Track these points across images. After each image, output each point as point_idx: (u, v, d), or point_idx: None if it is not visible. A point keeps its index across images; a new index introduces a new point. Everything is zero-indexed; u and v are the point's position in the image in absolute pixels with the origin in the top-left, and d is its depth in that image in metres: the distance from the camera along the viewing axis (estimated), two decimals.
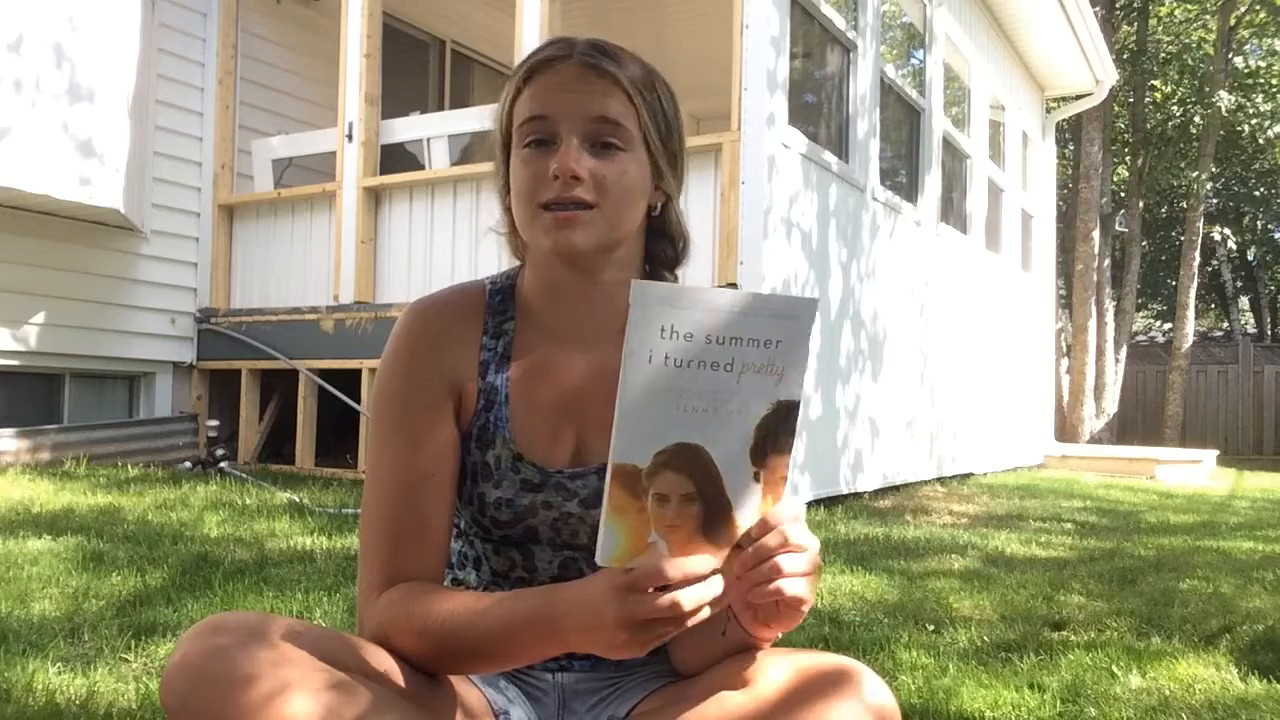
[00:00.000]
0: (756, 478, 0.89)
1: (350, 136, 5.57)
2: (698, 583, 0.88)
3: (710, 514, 0.89)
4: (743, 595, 0.93)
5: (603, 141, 1.10)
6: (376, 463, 1.14)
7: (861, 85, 5.78)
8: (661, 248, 1.21)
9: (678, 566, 0.87)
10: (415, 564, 1.11)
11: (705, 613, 0.90)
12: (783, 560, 0.91)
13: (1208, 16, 15.44)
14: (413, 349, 1.16)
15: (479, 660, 1.04)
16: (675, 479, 0.87)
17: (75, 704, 1.79)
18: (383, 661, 1.02)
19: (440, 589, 1.10)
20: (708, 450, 0.88)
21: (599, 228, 1.10)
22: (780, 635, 1.01)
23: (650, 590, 0.87)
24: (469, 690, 1.13)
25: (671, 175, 1.17)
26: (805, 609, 0.95)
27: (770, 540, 0.91)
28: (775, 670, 1.00)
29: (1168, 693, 2.09)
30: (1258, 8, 14.50)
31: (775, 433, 0.89)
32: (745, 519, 0.90)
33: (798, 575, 0.92)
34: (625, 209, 1.12)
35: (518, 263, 1.25)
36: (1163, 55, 14.81)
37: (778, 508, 0.92)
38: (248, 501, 4.13)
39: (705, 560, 0.89)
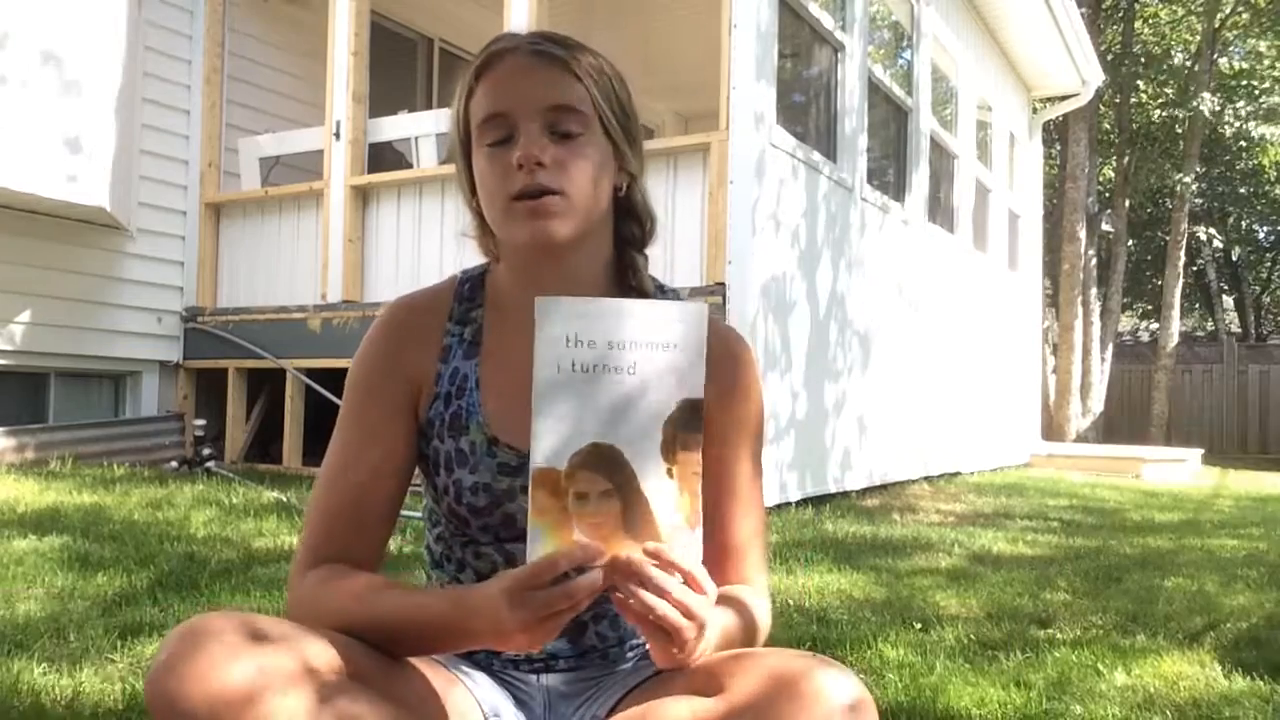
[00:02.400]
0: (670, 474, 0.95)
1: (338, 135, 5.55)
2: (589, 569, 0.92)
3: (629, 509, 0.94)
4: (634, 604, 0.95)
5: (561, 130, 1.11)
6: (330, 450, 1.18)
7: (849, 85, 5.80)
8: (629, 228, 1.22)
9: (567, 556, 0.91)
10: (347, 548, 1.13)
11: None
12: (654, 601, 0.93)
13: (1193, 18, 15.53)
14: (377, 345, 1.20)
15: (394, 647, 1.06)
16: (591, 477, 0.93)
17: (61, 704, 1.79)
18: (371, 659, 1.02)
19: (362, 574, 1.11)
20: (619, 449, 0.93)
21: (570, 214, 1.11)
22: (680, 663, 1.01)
23: (546, 586, 0.92)
24: (459, 689, 1.13)
25: (632, 155, 1.18)
26: (681, 650, 0.96)
27: (651, 571, 0.93)
28: (747, 669, 1.00)
29: (1153, 690, 2.11)
30: (1241, 10, 14.59)
31: (683, 430, 0.95)
32: (663, 514, 0.95)
33: (683, 605, 0.93)
34: (591, 191, 1.13)
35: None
36: (1143, 58, 14.87)
37: (676, 550, 0.94)
38: (234, 501, 4.12)
39: (592, 548, 0.92)
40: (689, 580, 0.95)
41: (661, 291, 1.24)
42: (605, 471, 0.93)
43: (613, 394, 0.93)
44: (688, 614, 0.94)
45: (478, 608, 0.97)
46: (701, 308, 0.97)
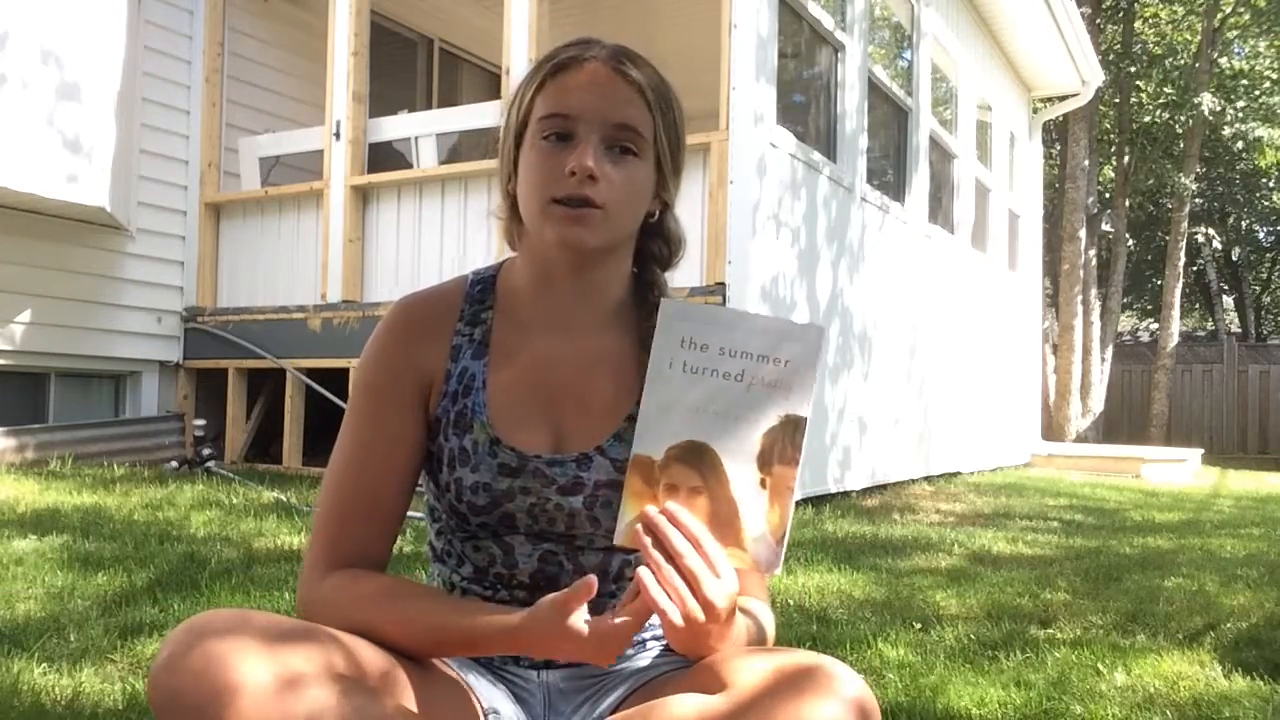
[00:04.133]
0: (763, 484, 0.97)
1: (338, 135, 5.55)
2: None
3: (716, 511, 0.97)
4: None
5: (620, 146, 1.13)
6: (339, 446, 1.19)
7: (849, 85, 5.80)
8: (656, 246, 1.24)
9: (650, 606, 0.95)
10: (361, 543, 1.14)
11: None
12: (687, 553, 0.96)
13: (1193, 18, 15.53)
14: (387, 341, 1.21)
15: (421, 651, 1.09)
16: (684, 471, 0.97)
17: (60, 704, 1.78)
18: (371, 657, 1.03)
19: (389, 579, 1.14)
20: (715, 451, 0.97)
21: (605, 229, 1.13)
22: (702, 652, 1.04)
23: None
24: (457, 686, 1.13)
25: (673, 185, 1.21)
26: (692, 632, 0.98)
27: (682, 545, 0.96)
28: (751, 667, 1.01)
29: (1152, 690, 2.11)
30: (1241, 9, 14.59)
31: (782, 444, 0.97)
32: (750, 522, 0.97)
33: (691, 573, 0.96)
34: (630, 215, 1.16)
35: (505, 259, 1.27)
36: (1145, 57, 14.87)
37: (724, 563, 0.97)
38: (234, 501, 4.12)
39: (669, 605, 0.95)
40: (699, 550, 0.96)
41: None
42: (698, 468, 0.97)
43: (717, 398, 0.97)
44: (693, 585, 0.95)
45: (549, 637, 1.00)
46: (819, 330, 0.99)
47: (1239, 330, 21.72)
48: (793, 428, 0.97)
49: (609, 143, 1.12)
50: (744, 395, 0.97)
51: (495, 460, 1.16)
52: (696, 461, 0.97)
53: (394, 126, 5.71)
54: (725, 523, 0.97)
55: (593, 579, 0.96)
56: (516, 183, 1.18)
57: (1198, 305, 23.66)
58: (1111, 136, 16.10)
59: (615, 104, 1.13)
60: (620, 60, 1.15)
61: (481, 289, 1.24)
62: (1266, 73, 15.02)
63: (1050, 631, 2.60)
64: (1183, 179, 13.84)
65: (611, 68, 1.14)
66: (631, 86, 1.14)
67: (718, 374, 0.97)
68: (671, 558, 0.95)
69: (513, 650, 1.04)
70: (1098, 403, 13.60)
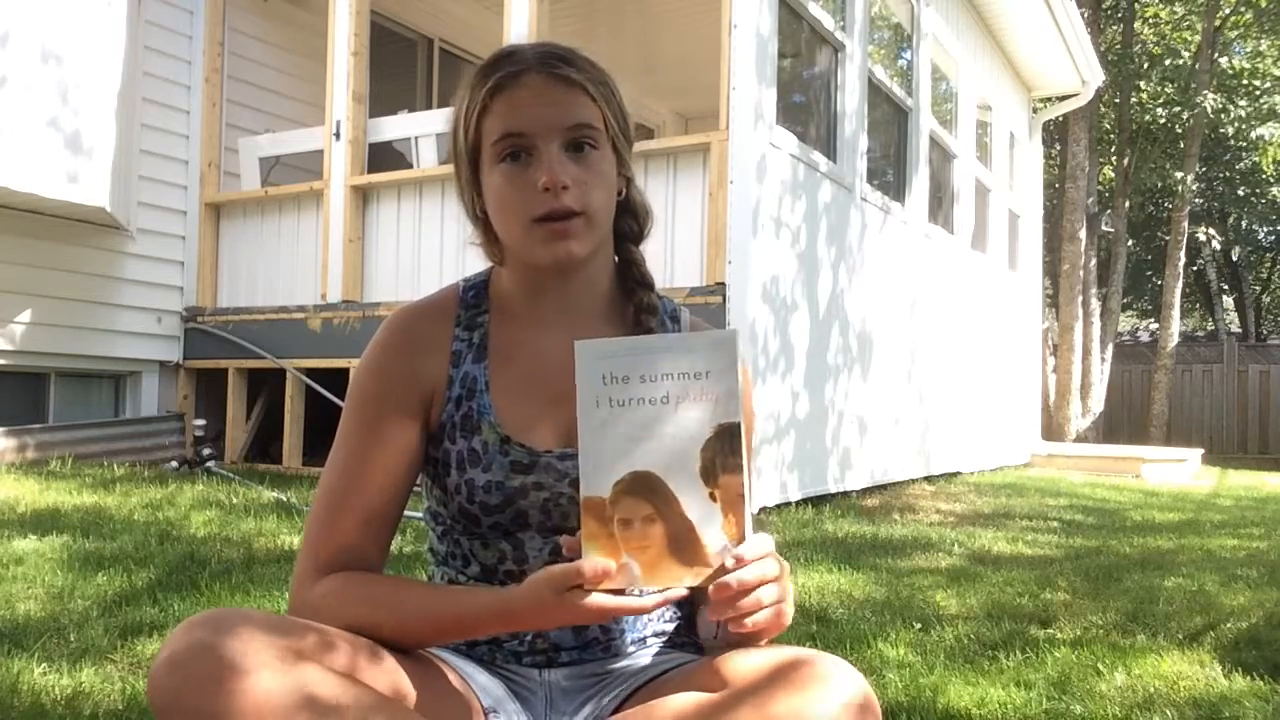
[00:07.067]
0: (713, 498, 0.98)
1: (338, 135, 5.55)
2: (610, 583, 0.97)
3: (674, 534, 0.98)
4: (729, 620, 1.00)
5: (577, 145, 1.14)
6: (334, 453, 1.19)
7: (850, 85, 5.80)
8: (626, 223, 1.25)
9: (589, 565, 0.97)
10: (354, 550, 1.14)
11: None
12: (762, 593, 0.99)
13: (1193, 18, 15.52)
14: (385, 355, 1.21)
15: (422, 644, 1.12)
16: (633, 503, 0.98)
17: (61, 704, 1.79)
18: (373, 657, 1.03)
19: (382, 577, 1.15)
20: (659, 476, 0.98)
21: (590, 233, 1.15)
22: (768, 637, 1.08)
23: (580, 588, 0.98)
24: (458, 686, 1.13)
25: (628, 158, 1.22)
26: (786, 621, 1.04)
27: (748, 575, 0.97)
28: (752, 665, 1.02)
29: (1152, 689, 2.11)
30: (1242, 9, 14.59)
31: (722, 454, 0.98)
32: (710, 537, 0.98)
33: (774, 603, 1.00)
34: (606, 205, 1.17)
35: (493, 266, 1.29)
36: (1145, 57, 14.87)
37: (749, 546, 0.98)
38: (235, 501, 4.12)
39: (606, 563, 0.97)
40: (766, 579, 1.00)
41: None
42: (646, 497, 0.98)
43: (649, 424, 0.99)
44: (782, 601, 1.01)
45: (528, 601, 1.02)
46: (732, 334, 1.00)
47: (1239, 330, 21.71)
48: (729, 435, 0.98)
49: (566, 144, 1.13)
50: (674, 416, 0.98)
51: (507, 459, 1.17)
52: (644, 491, 0.98)
53: (394, 126, 5.71)
54: (685, 543, 0.98)
55: (603, 568, 0.96)
56: (483, 204, 1.19)
57: (1198, 305, 23.65)
58: (1111, 136, 16.09)
59: (563, 109, 1.13)
60: (554, 64, 1.14)
61: (475, 294, 1.26)
62: (1272, 69, 15.01)
63: (1050, 631, 2.61)
64: (1183, 177, 13.82)
65: (548, 75, 1.14)
66: (574, 87, 1.14)
67: (644, 402, 0.99)
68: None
69: (510, 627, 1.06)
70: (1098, 403, 13.60)
